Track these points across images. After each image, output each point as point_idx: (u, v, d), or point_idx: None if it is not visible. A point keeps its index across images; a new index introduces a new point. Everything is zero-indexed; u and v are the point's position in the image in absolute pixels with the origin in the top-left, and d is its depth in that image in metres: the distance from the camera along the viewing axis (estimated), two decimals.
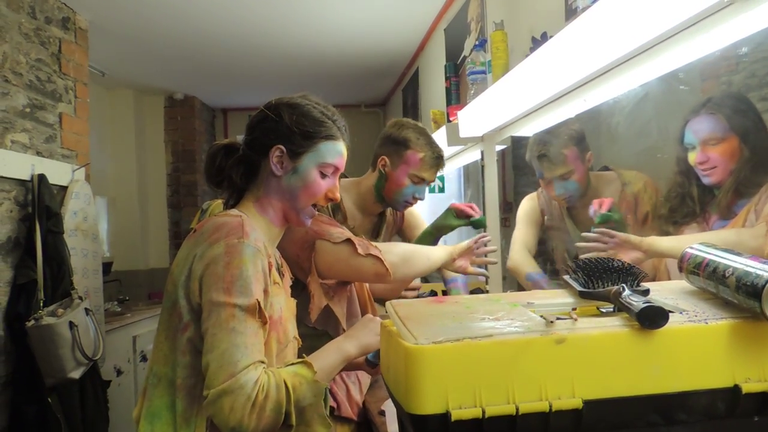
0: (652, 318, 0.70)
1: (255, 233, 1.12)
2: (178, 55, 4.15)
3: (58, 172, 2.91)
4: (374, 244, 1.47)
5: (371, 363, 1.32)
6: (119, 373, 3.51)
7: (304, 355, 1.14)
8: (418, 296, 2.85)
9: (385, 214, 2.01)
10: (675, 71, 1.27)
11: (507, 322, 0.74)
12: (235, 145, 1.26)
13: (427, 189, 1.90)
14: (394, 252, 1.47)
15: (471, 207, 1.84)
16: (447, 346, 0.68)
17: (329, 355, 1.17)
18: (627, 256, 1.42)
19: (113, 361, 3.44)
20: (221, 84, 5.03)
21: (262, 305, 1.05)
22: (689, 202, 1.45)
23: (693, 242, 1.36)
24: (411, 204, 1.89)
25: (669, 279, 1.50)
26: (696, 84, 1.45)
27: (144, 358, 3.82)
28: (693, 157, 1.40)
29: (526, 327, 0.72)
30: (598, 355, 0.70)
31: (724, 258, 0.79)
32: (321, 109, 1.26)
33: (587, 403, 0.68)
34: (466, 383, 0.67)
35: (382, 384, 1.67)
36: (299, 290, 1.43)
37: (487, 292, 2.62)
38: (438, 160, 1.84)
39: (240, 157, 1.24)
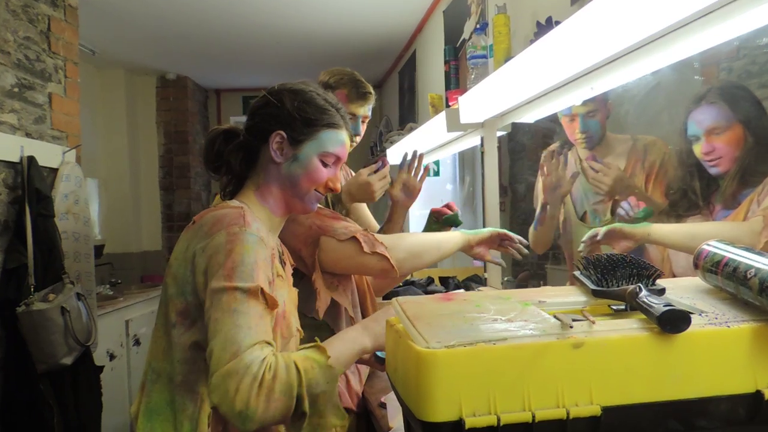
0: (674, 322, 0.67)
1: (256, 224, 1.08)
2: (170, 34, 4.07)
3: (48, 154, 2.85)
4: (380, 238, 1.43)
5: (380, 359, 1.29)
6: (112, 357, 3.49)
7: (317, 338, 1.08)
8: (412, 282, 2.83)
9: None
10: (689, 60, 1.24)
11: (521, 324, 0.71)
12: (236, 130, 1.23)
13: (363, 126, 1.92)
14: (401, 247, 1.44)
15: (448, 206, 1.87)
16: (460, 351, 0.65)
17: (344, 345, 1.09)
18: (618, 246, 1.42)
19: (106, 346, 3.41)
20: (214, 64, 4.94)
21: (266, 291, 1.01)
22: (692, 195, 1.43)
23: (690, 232, 1.37)
24: (352, 140, 1.93)
25: (672, 270, 1.49)
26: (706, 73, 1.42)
27: (137, 342, 3.79)
28: (698, 149, 1.38)
29: (541, 330, 0.69)
30: (617, 360, 0.67)
31: (746, 258, 0.76)
32: (324, 96, 1.23)
33: (605, 410, 0.65)
34: (480, 389, 0.64)
35: (381, 375, 1.66)
36: (298, 279, 1.40)
37: (485, 279, 2.60)
38: (363, 95, 1.89)
39: (240, 143, 1.21)
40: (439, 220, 1.86)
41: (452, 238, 1.56)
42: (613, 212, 1.66)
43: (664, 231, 1.39)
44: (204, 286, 1.02)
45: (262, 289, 1.00)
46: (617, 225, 1.46)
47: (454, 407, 0.64)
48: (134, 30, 3.96)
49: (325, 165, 1.20)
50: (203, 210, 1.14)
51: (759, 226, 1.23)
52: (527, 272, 2.42)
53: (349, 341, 1.10)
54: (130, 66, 4.90)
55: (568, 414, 0.64)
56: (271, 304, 1.01)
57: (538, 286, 2.31)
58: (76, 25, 3.22)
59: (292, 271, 1.30)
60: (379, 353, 1.30)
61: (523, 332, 0.68)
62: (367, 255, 1.39)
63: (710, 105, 1.35)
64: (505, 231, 1.60)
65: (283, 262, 1.24)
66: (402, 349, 0.73)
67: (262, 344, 0.95)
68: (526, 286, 2.37)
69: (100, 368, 2.88)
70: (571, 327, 0.67)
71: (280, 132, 1.17)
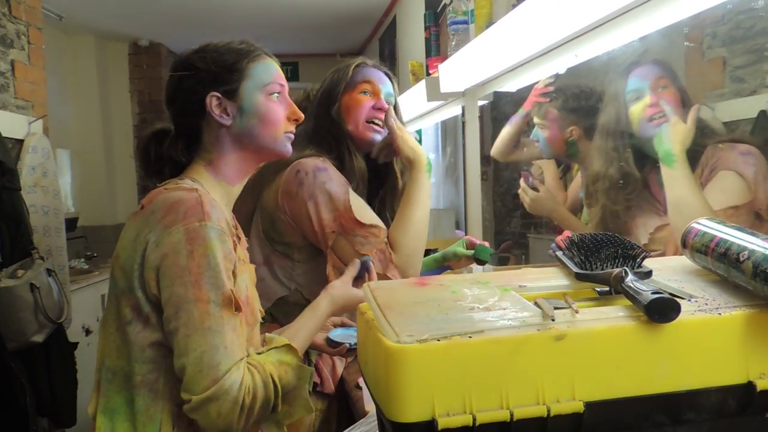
0: (663, 311, 0.62)
1: (216, 211, 0.99)
2: None
3: (12, 125, 2.72)
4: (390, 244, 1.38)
5: (333, 343, 1.24)
6: (88, 332, 3.42)
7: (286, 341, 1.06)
8: None
9: None
10: (678, 25, 1.18)
11: (499, 313, 0.66)
12: (164, 128, 1.12)
13: None
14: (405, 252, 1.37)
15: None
16: (433, 345, 0.59)
17: (308, 330, 1.14)
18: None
19: (81, 321, 3.34)
20: (189, 30, 4.77)
21: (234, 294, 0.96)
22: (624, 166, 1.36)
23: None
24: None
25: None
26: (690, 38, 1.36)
27: None
28: (639, 108, 1.30)
29: (521, 320, 0.64)
30: (602, 352, 0.62)
31: (738, 238, 0.71)
32: (230, 41, 1.12)
33: (588, 406, 0.61)
34: (454, 387, 0.59)
35: None
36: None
37: None
38: None
39: (175, 135, 1.10)
40: (469, 248, 1.73)
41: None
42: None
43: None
44: (155, 283, 0.95)
45: (232, 292, 0.96)
46: None
47: (426, 406, 0.59)
48: None
49: (273, 95, 1.09)
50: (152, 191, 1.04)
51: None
52: (509, 241, 2.39)
53: (311, 318, 1.17)
54: (100, 32, 4.72)
55: (548, 411, 0.60)
56: (237, 308, 0.97)
57: (521, 256, 2.28)
58: None
59: (247, 245, 1.21)
60: (331, 335, 1.26)
61: (501, 323, 0.63)
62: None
63: (655, 61, 1.30)
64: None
65: (237, 238, 1.13)
66: (372, 341, 0.67)
67: (238, 364, 0.94)
68: (508, 258, 2.34)
69: (75, 344, 2.81)
70: (553, 320, 0.62)
71: (213, 94, 1.06)
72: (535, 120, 1.81)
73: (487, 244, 1.68)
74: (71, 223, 3.91)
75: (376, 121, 1.46)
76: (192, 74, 1.07)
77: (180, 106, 1.10)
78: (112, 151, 4.97)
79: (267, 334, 1.09)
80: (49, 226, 2.91)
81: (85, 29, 4.60)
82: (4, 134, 2.56)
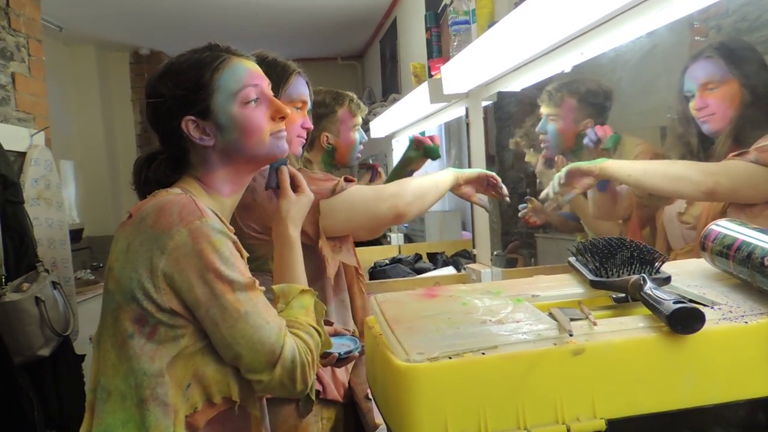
0: (686, 321, 0.59)
1: (210, 213, 0.97)
2: (142, 6, 3.89)
3: (14, 138, 2.71)
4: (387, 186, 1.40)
5: (340, 360, 1.20)
6: None
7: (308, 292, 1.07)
8: (399, 260, 2.75)
9: None
10: (688, 18, 1.15)
11: (513, 327, 0.63)
12: (157, 151, 1.09)
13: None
14: (407, 191, 1.38)
15: (431, 138, 1.86)
16: (445, 364, 0.57)
17: (289, 260, 1.14)
18: (580, 185, 1.42)
19: (89, 332, 3.30)
20: (189, 38, 4.71)
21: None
22: (687, 155, 1.37)
23: (643, 167, 1.32)
24: (361, 151, 1.96)
25: (665, 236, 1.42)
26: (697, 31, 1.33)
27: None
28: (692, 105, 1.31)
29: (536, 334, 0.61)
30: (622, 367, 0.59)
31: (763, 241, 0.68)
32: (194, 48, 1.07)
33: (610, 423, 0.58)
34: (468, 406, 0.57)
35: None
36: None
37: (474, 255, 2.53)
38: (357, 100, 1.94)
39: (163, 157, 1.07)
40: (419, 149, 1.85)
41: (445, 176, 1.50)
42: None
43: (618, 165, 1.37)
44: (171, 290, 0.92)
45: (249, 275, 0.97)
46: (574, 164, 1.43)
47: (439, 428, 0.56)
48: (103, 3, 3.78)
49: (250, 103, 1.03)
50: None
51: (713, 168, 1.20)
52: (516, 242, 2.35)
53: (289, 253, 1.15)
54: (100, 42, 4.71)
55: (568, 430, 0.57)
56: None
57: (529, 257, 2.25)
58: (38, 0, 3.06)
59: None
60: (338, 353, 1.20)
61: (515, 338, 0.60)
62: (378, 204, 1.34)
63: (706, 59, 1.28)
64: (493, 174, 1.55)
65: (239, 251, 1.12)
66: (380, 358, 0.64)
67: (285, 330, 0.97)
68: (516, 259, 2.31)
69: (82, 357, 2.79)
70: (571, 334, 0.59)
71: (187, 118, 1.02)
72: (545, 110, 1.76)
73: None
74: (76, 234, 3.90)
75: (301, 137, 1.49)
76: (163, 101, 1.03)
77: (161, 132, 1.07)
78: (115, 160, 4.97)
79: (273, 287, 1.08)
80: (53, 239, 2.89)
81: (85, 39, 4.59)
82: (6, 147, 2.55)
